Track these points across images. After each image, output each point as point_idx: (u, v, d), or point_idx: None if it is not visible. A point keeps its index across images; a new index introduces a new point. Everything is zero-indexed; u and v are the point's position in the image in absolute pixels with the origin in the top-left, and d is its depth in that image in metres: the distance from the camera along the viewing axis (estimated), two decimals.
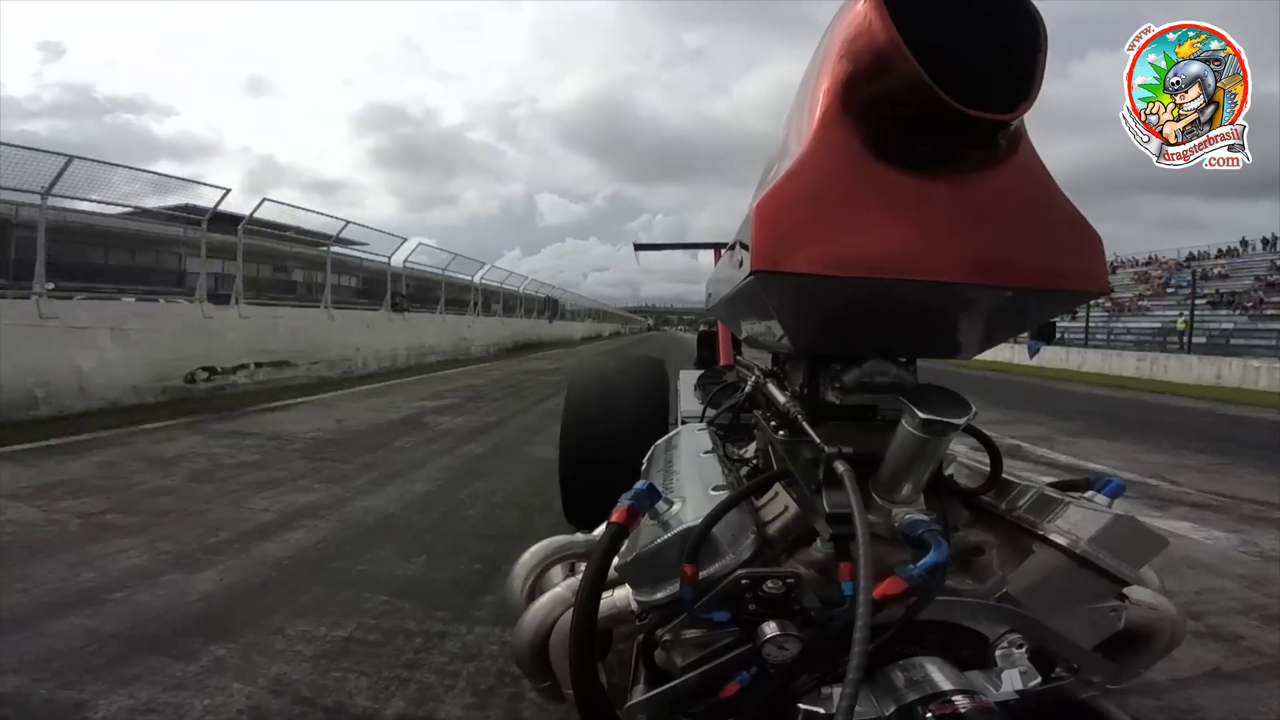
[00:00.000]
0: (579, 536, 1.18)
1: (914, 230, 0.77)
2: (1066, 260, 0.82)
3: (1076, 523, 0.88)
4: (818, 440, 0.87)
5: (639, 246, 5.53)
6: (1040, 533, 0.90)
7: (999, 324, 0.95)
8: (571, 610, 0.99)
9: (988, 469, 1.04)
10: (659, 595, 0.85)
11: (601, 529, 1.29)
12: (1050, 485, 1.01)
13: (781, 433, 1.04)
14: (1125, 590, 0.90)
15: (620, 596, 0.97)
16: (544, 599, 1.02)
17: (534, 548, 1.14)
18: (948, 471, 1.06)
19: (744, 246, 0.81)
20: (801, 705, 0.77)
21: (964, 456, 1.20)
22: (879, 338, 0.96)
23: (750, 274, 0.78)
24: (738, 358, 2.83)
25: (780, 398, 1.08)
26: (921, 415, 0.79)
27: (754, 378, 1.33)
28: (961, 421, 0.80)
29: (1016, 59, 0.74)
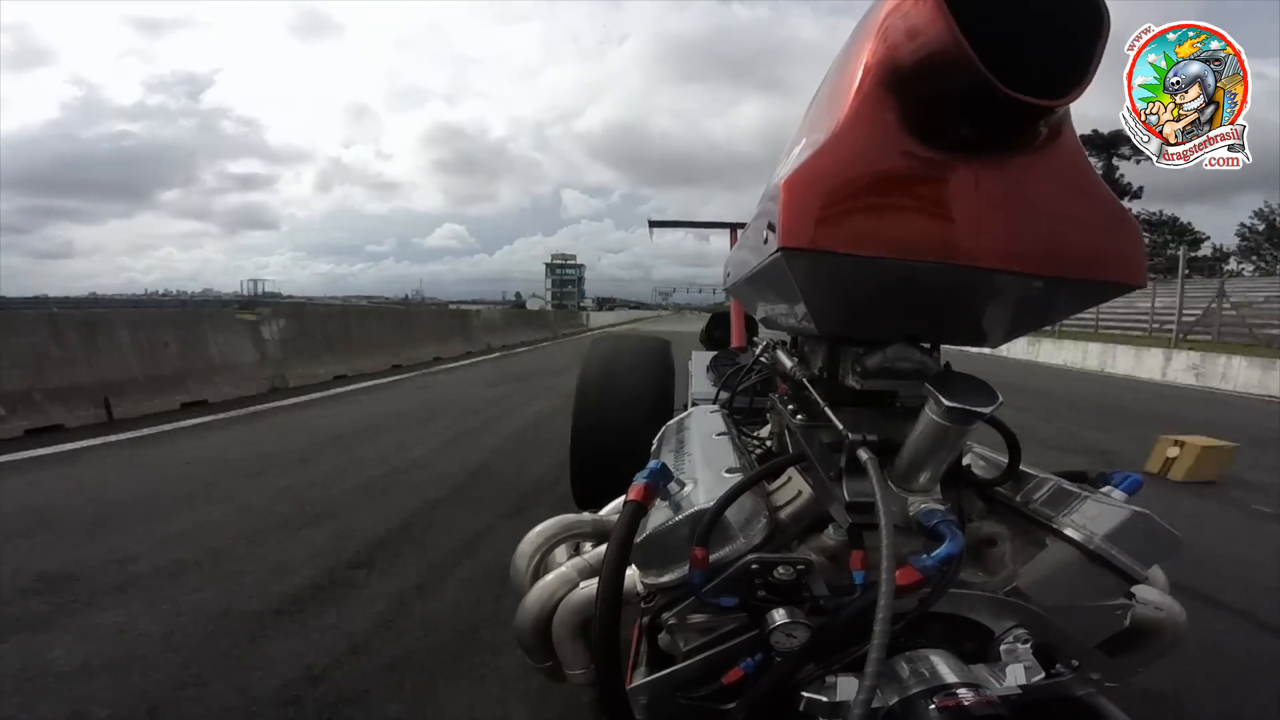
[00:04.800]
0: (585, 516, 1.17)
1: (948, 213, 0.75)
2: (1103, 251, 0.80)
3: (1092, 518, 0.87)
4: (840, 426, 0.86)
5: (654, 224, 5.36)
6: (1055, 526, 0.89)
7: (1027, 314, 0.93)
8: (575, 590, 0.99)
9: (1004, 460, 1.03)
10: (667, 578, 0.85)
11: (607, 509, 1.29)
12: (1067, 478, 1.00)
13: (799, 416, 1.02)
14: (1133, 589, 0.90)
15: (625, 577, 0.97)
16: (549, 578, 1.02)
17: (539, 527, 1.13)
18: (964, 461, 1.05)
19: (769, 224, 0.79)
20: (805, 693, 0.77)
21: (980, 447, 1.19)
22: (905, 322, 0.93)
23: (777, 251, 0.75)
24: (753, 339, 2.78)
25: (799, 381, 1.06)
26: (947, 403, 0.77)
27: (771, 360, 1.31)
28: (987, 410, 0.78)
29: (1070, 41, 0.71)
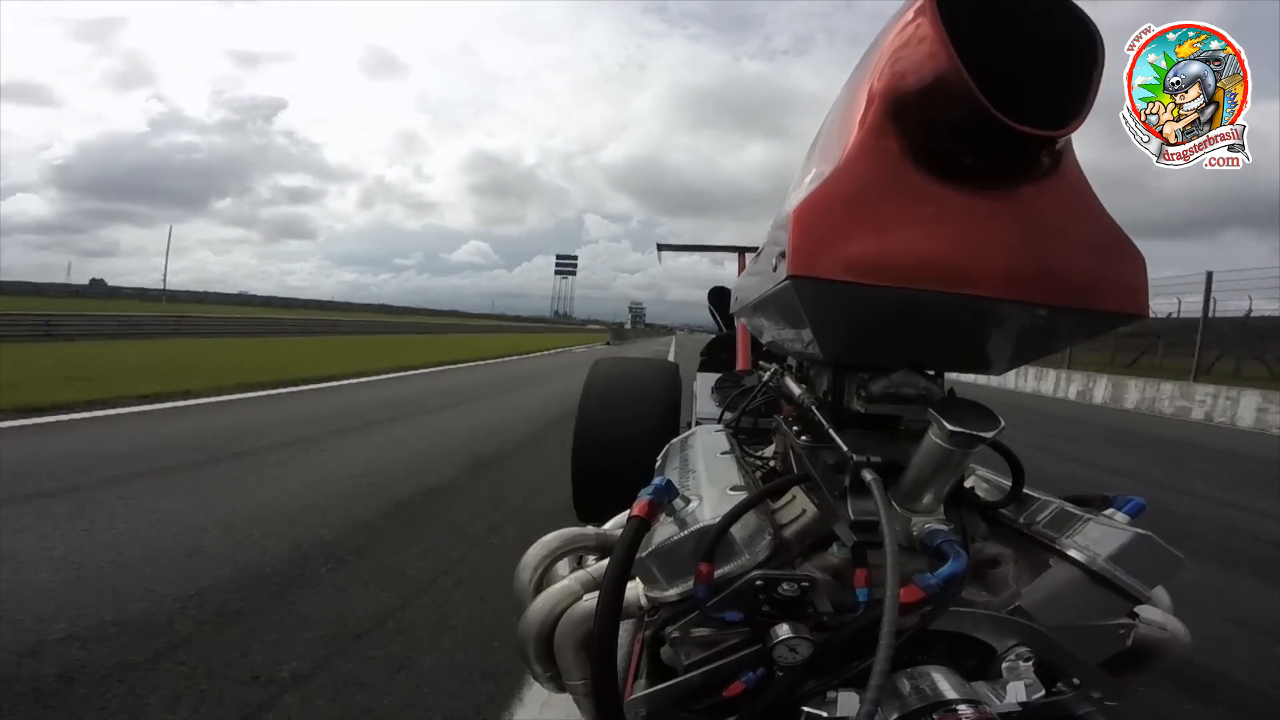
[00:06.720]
0: (589, 529, 1.17)
1: (953, 242, 0.75)
2: (1106, 281, 0.80)
3: (1095, 539, 0.87)
4: (845, 448, 0.86)
5: (663, 247, 5.40)
6: (1058, 548, 0.89)
7: (1031, 342, 0.93)
8: (578, 603, 0.99)
9: (1007, 483, 1.03)
10: (671, 592, 0.85)
11: (611, 523, 1.29)
12: (1070, 502, 1.00)
13: (804, 438, 1.02)
14: (1136, 609, 0.90)
15: (628, 590, 0.97)
16: (552, 590, 1.02)
17: (543, 539, 1.13)
18: (967, 484, 1.05)
19: (779, 251, 0.79)
20: (806, 708, 0.77)
21: (983, 470, 1.19)
22: (910, 349, 0.94)
23: (786, 278, 0.76)
24: (760, 363, 2.82)
25: (805, 403, 1.06)
26: (950, 427, 0.77)
27: (777, 382, 1.31)
28: (989, 435, 0.78)
29: (1069, 72, 0.71)
